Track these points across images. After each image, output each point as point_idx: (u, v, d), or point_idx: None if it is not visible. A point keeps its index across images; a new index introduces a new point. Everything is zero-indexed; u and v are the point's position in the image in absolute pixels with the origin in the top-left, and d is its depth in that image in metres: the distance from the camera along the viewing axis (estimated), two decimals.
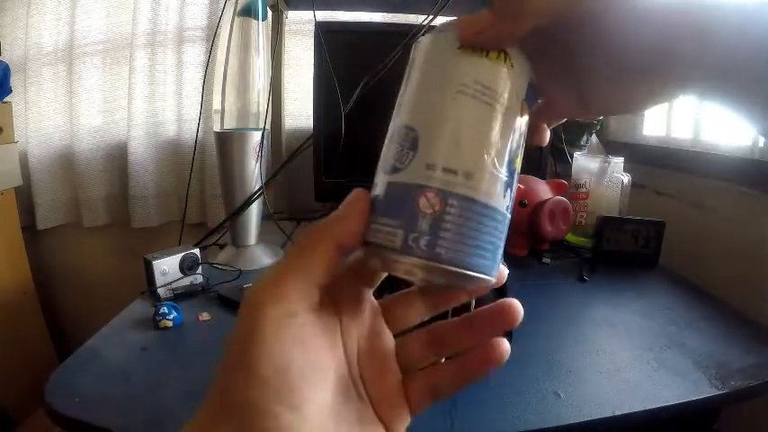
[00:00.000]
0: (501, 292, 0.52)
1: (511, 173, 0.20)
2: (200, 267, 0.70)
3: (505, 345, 0.22)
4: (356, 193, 0.20)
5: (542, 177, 0.93)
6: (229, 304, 0.64)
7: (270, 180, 0.83)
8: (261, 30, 0.81)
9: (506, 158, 0.20)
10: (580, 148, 1.07)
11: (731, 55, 0.18)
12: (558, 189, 0.86)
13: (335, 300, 0.22)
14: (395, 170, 0.20)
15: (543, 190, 0.84)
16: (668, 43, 0.19)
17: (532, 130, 0.24)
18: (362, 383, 0.22)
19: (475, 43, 0.20)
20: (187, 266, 0.68)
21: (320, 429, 0.18)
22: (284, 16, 1.06)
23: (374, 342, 0.23)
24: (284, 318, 0.18)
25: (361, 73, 0.77)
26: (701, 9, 0.18)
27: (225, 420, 0.17)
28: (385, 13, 1.12)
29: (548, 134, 0.25)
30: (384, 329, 0.24)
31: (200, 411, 0.19)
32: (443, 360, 0.24)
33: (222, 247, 0.85)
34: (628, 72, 0.21)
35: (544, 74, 0.22)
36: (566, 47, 0.21)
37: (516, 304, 0.22)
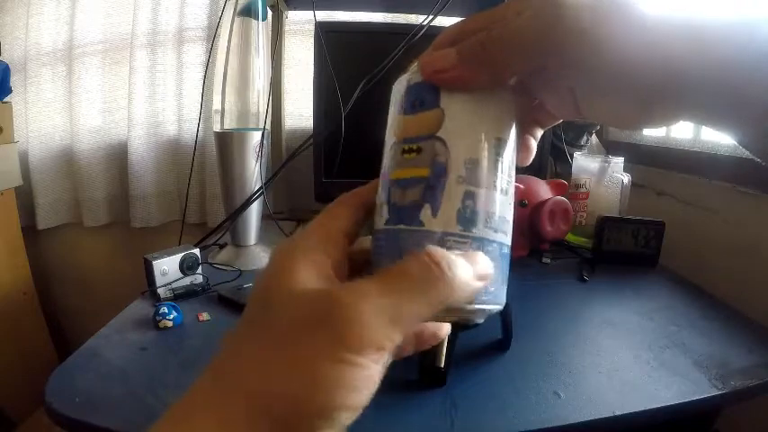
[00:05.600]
0: None
1: None
2: (200, 267, 0.70)
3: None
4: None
5: (542, 177, 0.93)
6: (229, 304, 0.64)
7: (270, 180, 0.83)
8: (261, 30, 0.81)
9: None
10: (580, 148, 1.07)
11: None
12: (558, 189, 0.86)
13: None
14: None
15: (543, 190, 0.84)
16: (665, 81, 0.17)
17: (519, 145, 0.23)
18: None
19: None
20: (187, 266, 0.68)
21: None
22: (284, 16, 1.06)
23: None
24: (375, 366, 0.17)
25: (361, 73, 0.77)
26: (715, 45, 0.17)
27: (256, 421, 0.16)
28: (385, 13, 1.12)
29: (533, 154, 0.25)
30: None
31: (202, 390, 0.17)
32: None
33: (222, 247, 0.85)
34: (623, 100, 0.19)
35: (534, 82, 0.21)
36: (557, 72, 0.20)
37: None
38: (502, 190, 0.21)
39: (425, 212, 0.20)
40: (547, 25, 0.18)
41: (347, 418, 0.16)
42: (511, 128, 0.21)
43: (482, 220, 0.20)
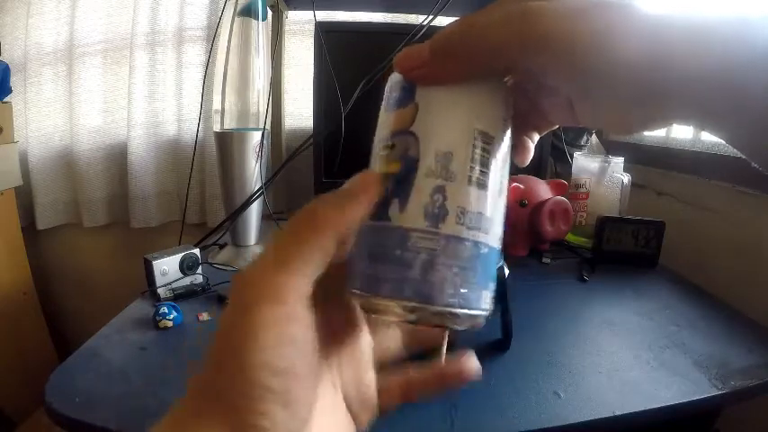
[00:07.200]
0: (501, 293, 0.52)
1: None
2: (200, 267, 0.70)
3: (475, 364, 0.23)
4: (365, 176, 0.20)
5: (542, 177, 0.93)
6: None
7: (270, 180, 0.83)
8: (261, 30, 0.81)
9: None
10: (580, 148, 1.07)
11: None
12: (558, 189, 0.86)
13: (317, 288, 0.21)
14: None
15: (543, 190, 0.84)
16: (657, 86, 0.17)
17: (516, 145, 0.23)
18: (339, 375, 0.22)
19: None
20: (187, 266, 0.68)
21: (304, 423, 0.18)
22: (284, 16, 1.06)
23: (350, 335, 0.23)
24: (283, 320, 0.17)
25: (361, 73, 0.77)
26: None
27: (212, 417, 0.17)
28: (385, 13, 1.12)
29: (531, 154, 0.24)
30: (362, 324, 0.23)
31: (180, 407, 0.18)
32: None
33: (222, 247, 0.85)
34: (619, 103, 0.19)
35: (530, 85, 0.21)
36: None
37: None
38: (481, 184, 0.20)
39: (393, 208, 0.19)
40: (513, 31, 0.18)
41: (278, 383, 0.17)
42: (498, 120, 0.20)
43: (453, 215, 0.19)
